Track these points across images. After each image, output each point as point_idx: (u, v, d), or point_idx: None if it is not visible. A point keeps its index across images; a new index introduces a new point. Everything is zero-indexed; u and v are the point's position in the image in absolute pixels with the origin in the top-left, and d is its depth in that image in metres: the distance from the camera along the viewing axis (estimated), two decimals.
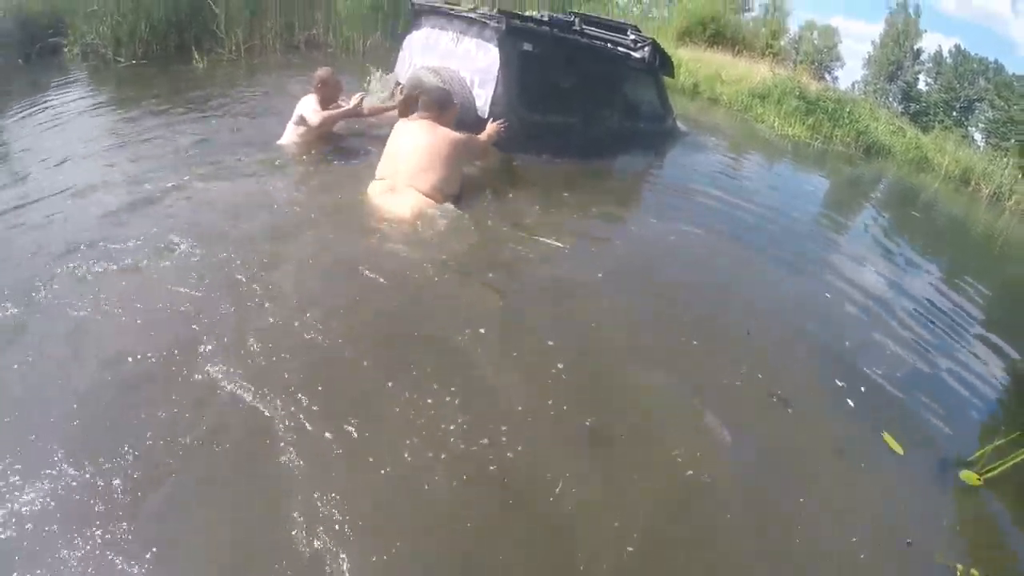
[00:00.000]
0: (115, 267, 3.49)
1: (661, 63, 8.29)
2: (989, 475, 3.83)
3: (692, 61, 19.39)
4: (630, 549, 2.52)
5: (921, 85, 46.33)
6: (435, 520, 2.44)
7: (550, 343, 3.52)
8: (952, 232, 14.01)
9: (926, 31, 45.23)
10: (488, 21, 5.99)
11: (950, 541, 3.31)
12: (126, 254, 3.62)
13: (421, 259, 4.10)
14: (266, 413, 2.66)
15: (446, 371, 3.13)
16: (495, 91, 5.98)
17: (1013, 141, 35.22)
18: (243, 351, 2.99)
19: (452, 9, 6.49)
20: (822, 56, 50.66)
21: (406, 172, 4.79)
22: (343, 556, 2.18)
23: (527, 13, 9.05)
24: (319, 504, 2.33)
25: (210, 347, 2.97)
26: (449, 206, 4.72)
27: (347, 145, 5.98)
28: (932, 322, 6.13)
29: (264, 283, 3.54)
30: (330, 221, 4.46)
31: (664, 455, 3.05)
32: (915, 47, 45.47)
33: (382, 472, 2.53)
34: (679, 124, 9.74)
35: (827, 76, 47.02)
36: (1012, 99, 39.93)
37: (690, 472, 2.98)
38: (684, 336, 4.11)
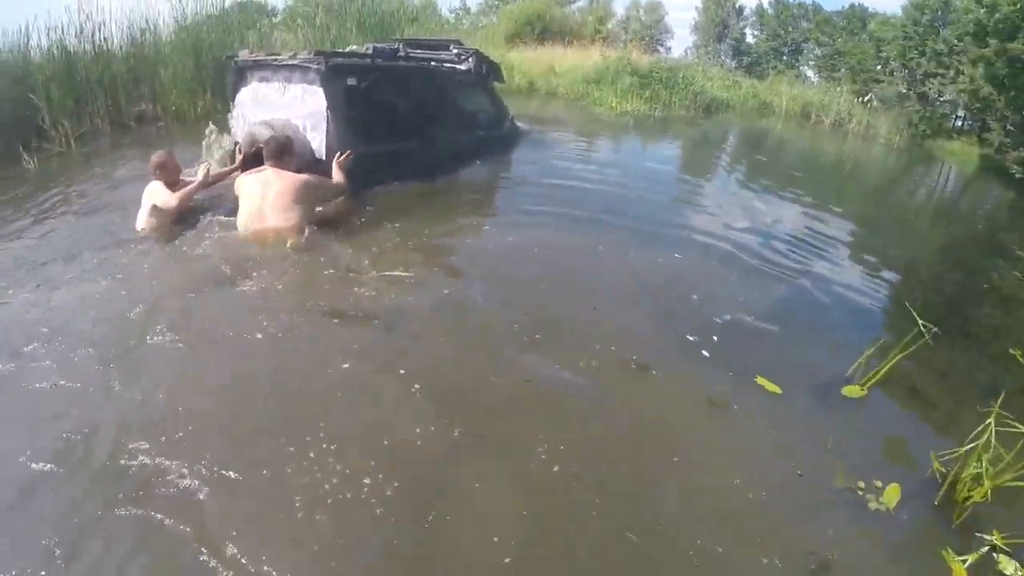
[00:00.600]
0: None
1: (488, 70, 8.72)
2: (871, 383, 4.07)
3: (525, 61, 19.89)
4: (512, 542, 2.65)
5: (749, 39, 48.55)
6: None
7: (401, 371, 3.64)
8: (803, 165, 15.00)
9: None
10: (309, 64, 6.11)
11: (847, 459, 3.39)
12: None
13: (281, 307, 4.24)
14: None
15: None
16: (327, 131, 6.14)
17: (843, 70, 37.16)
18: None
19: (273, 60, 6.54)
20: (651, 31, 52.40)
21: (269, 216, 5.16)
22: None
23: (350, 48, 9.24)
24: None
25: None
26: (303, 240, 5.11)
27: (200, 215, 5.85)
28: (791, 254, 6.57)
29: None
30: (204, 286, 4.56)
31: (535, 446, 3.17)
32: (736, 5, 47.56)
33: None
34: (519, 124, 10.09)
35: (660, 49, 48.76)
36: (835, 33, 42.29)
37: (560, 459, 3.09)
38: (530, 328, 4.22)
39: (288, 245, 5.03)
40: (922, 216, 11.90)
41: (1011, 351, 5.11)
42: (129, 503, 2.65)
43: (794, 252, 6.67)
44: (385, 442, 3.10)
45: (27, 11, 10.28)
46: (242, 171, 5.86)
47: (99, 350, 3.67)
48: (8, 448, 2.94)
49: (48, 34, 10.20)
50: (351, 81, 6.34)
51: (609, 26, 45.79)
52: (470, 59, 8.38)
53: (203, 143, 6.66)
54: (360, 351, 3.83)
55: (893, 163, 19.32)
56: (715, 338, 4.40)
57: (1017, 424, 3.34)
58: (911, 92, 29.42)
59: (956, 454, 3.34)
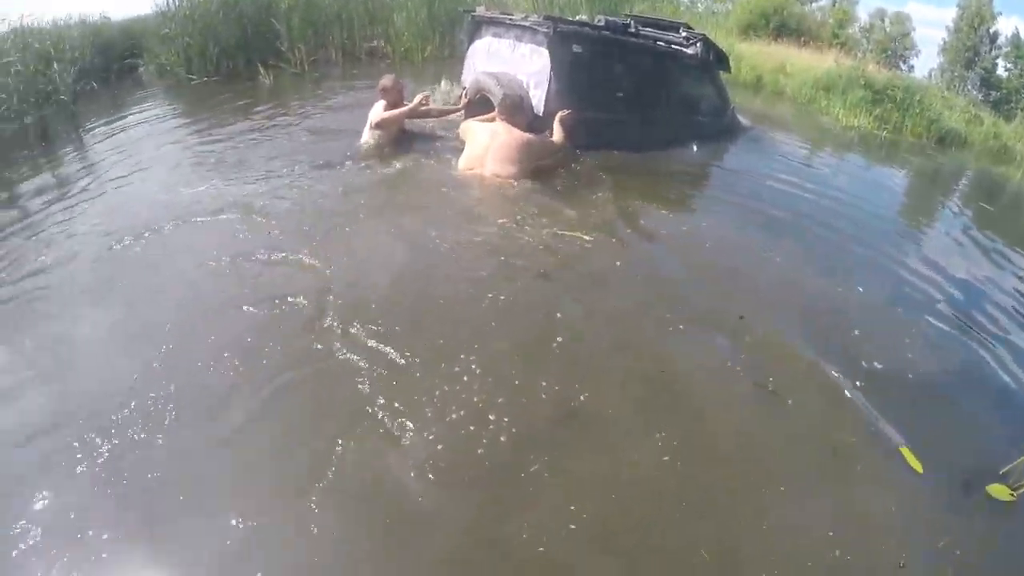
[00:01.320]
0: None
1: (716, 58, 8.71)
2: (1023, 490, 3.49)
3: (756, 55, 19.04)
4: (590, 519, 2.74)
5: (1000, 71, 44.32)
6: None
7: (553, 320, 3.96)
8: None
9: (1000, 13, 43.19)
10: (538, 27, 6.60)
11: (961, 564, 2.98)
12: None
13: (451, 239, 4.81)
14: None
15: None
16: (548, 91, 6.63)
17: None
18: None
19: (508, 19, 7.15)
20: (895, 44, 49.11)
21: (489, 163, 5.82)
22: None
23: (579, 17, 9.67)
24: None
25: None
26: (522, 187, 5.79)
27: (419, 144, 6.66)
28: (998, 321, 5.77)
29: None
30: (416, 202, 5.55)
31: (653, 443, 3.18)
32: (990, 30, 43.55)
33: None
34: (741, 118, 9.97)
35: (902, 65, 45.45)
36: None
37: (671, 461, 3.09)
38: (674, 324, 4.21)
39: (499, 191, 5.66)
40: None
41: None
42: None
43: (1002, 319, 5.84)
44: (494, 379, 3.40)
45: None
46: (465, 114, 6.79)
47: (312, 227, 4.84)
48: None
49: None
50: (576, 48, 6.72)
51: (849, 31, 43.33)
52: (697, 44, 8.31)
53: (432, 88, 7.45)
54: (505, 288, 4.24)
55: None
56: (860, 383, 3.99)
57: None
58: None
59: None
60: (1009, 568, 3.15)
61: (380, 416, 3.10)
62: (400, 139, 6.56)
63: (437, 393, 3.25)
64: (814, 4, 46.73)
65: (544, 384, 3.40)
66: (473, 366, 3.45)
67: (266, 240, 4.65)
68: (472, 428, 3.07)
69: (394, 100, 6.45)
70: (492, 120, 6.29)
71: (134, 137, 7.41)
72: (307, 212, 5.10)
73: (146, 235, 4.72)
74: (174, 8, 10.10)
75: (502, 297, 4.09)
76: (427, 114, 6.87)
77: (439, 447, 2.95)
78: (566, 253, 4.79)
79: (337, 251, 4.55)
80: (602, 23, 7.93)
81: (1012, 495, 3.45)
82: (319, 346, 3.56)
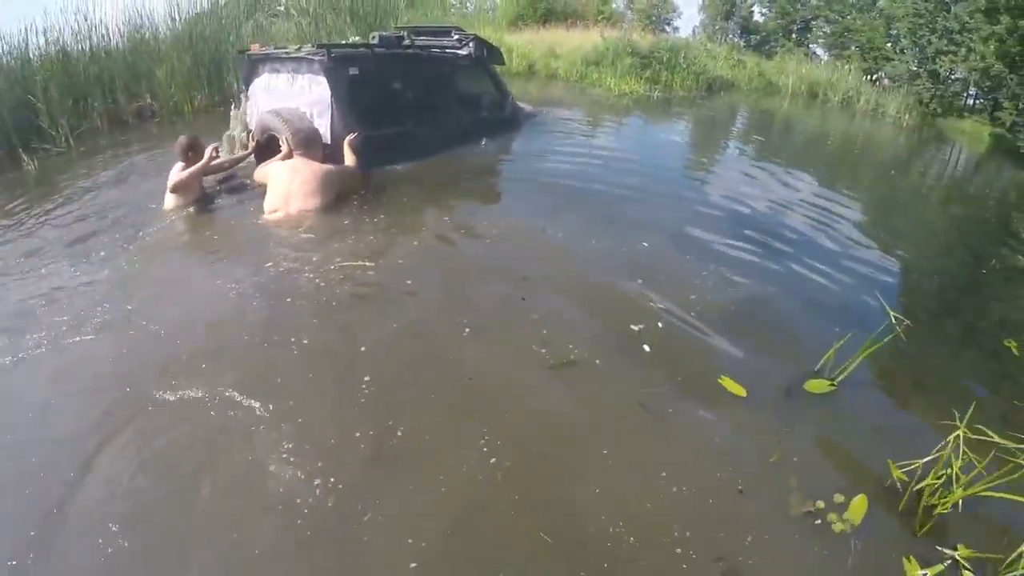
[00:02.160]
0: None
1: (489, 54, 9.18)
2: (841, 377, 3.91)
3: (525, 44, 19.71)
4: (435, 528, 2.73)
5: (757, 17, 47.85)
6: None
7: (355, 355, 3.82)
8: (810, 145, 14.91)
9: None
10: (313, 57, 6.54)
11: (806, 466, 3.25)
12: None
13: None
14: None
15: None
16: (332, 118, 6.60)
17: (853, 48, 36.78)
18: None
19: (283, 53, 6.95)
20: (657, 10, 51.86)
21: (294, 201, 5.79)
22: None
23: (353, 39, 9.90)
24: None
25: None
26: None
27: (221, 197, 6.43)
28: (785, 241, 6.41)
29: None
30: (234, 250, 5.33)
31: (477, 452, 3.13)
32: None
33: None
34: (524, 105, 10.41)
35: (667, 29, 48.28)
36: (845, 11, 41.75)
37: (497, 463, 3.06)
38: (470, 327, 4.15)
39: (303, 227, 5.59)
40: (931, 198, 11.72)
41: (1006, 343, 5.05)
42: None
43: (789, 239, 6.51)
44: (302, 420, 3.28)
45: (24, 13, 10.43)
46: (256, 157, 6.65)
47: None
48: None
49: (46, 35, 10.36)
50: (353, 71, 6.75)
51: (614, 6, 45.31)
52: (470, 43, 8.78)
53: (225, 142, 7.17)
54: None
55: (903, 143, 19.09)
56: (658, 331, 4.25)
57: (988, 432, 3.16)
58: (921, 70, 29.01)
59: (918, 463, 3.15)
60: (840, 455, 3.46)
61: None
62: (202, 198, 6.23)
63: (249, 458, 3.04)
64: None
65: (357, 424, 3.25)
66: (277, 421, 3.25)
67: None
68: (284, 491, 2.86)
69: (196, 160, 6.13)
70: (288, 157, 6.17)
71: None
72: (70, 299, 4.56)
73: None
74: None
75: (305, 342, 3.90)
76: (220, 167, 6.55)
77: (253, 522, 2.74)
78: (355, 283, 4.65)
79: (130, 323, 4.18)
80: (376, 40, 7.97)
81: (832, 384, 3.88)
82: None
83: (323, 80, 6.58)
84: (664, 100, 16.44)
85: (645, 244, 5.62)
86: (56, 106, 9.52)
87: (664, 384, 3.75)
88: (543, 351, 3.92)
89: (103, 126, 10.27)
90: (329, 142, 6.56)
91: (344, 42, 8.63)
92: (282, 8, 18.64)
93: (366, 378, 3.55)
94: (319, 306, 4.32)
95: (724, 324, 4.44)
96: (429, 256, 5.22)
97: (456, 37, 9.13)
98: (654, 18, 49.88)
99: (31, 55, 10.10)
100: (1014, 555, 2.74)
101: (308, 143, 6.20)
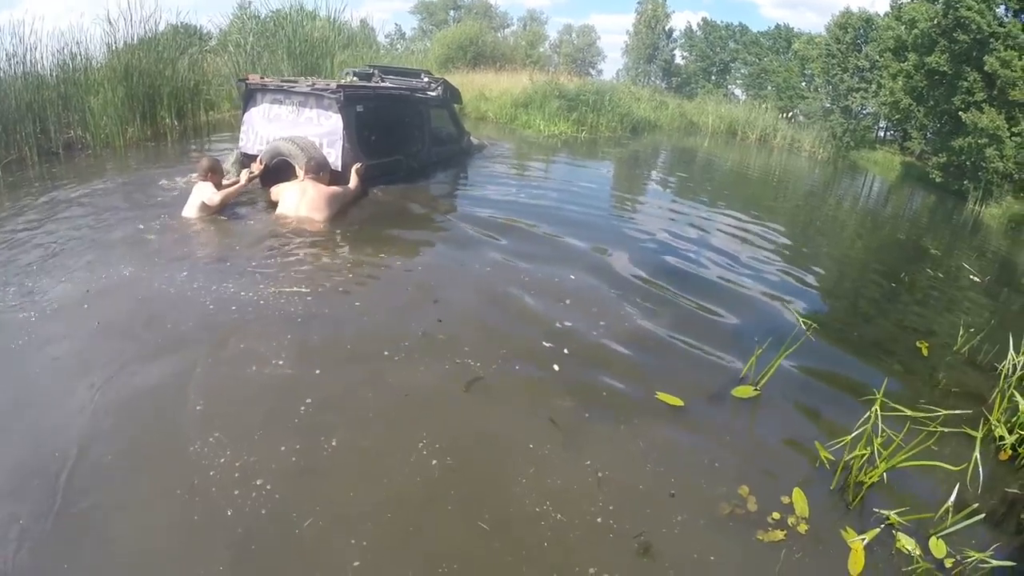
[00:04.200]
0: None
1: (452, 95, 10.55)
2: (763, 382, 4.28)
3: (457, 86, 19.88)
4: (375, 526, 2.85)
5: (679, 60, 49.83)
6: None
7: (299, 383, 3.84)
8: (729, 179, 15.67)
9: (674, 11, 48.75)
10: (326, 94, 7.35)
11: (735, 468, 3.49)
12: None
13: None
14: None
15: None
16: (343, 148, 7.42)
17: (769, 88, 38.43)
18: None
19: (289, 87, 7.67)
20: (583, 54, 53.30)
21: (304, 209, 6.62)
22: None
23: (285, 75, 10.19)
24: None
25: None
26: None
27: (234, 211, 6.85)
28: (705, 267, 6.88)
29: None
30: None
31: (417, 460, 3.26)
32: (667, 28, 48.66)
33: None
34: (473, 138, 11.89)
35: (592, 72, 49.90)
36: (761, 53, 43.87)
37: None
38: (379, 345, 4.29)
39: (317, 226, 6.49)
40: (847, 222, 12.54)
41: (917, 344, 5.67)
42: None
43: (708, 264, 7.00)
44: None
45: None
46: (261, 180, 7.23)
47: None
48: None
49: None
50: (359, 108, 7.64)
51: (541, 50, 46.49)
52: (439, 86, 10.06)
53: (229, 162, 7.82)
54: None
55: (819, 173, 20.30)
56: (566, 351, 4.46)
57: (900, 408, 3.66)
58: (835, 106, 30.77)
59: (845, 441, 3.57)
60: (765, 452, 3.76)
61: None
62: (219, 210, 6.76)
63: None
64: (507, 30, 49.91)
65: (293, 438, 3.31)
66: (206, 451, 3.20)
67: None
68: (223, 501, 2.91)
69: (217, 180, 6.76)
70: (298, 181, 6.92)
71: None
72: None
73: None
74: None
75: (255, 368, 3.92)
76: (239, 190, 7.03)
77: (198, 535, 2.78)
78: (285, 311, 4.67)
79: None
80: (352, 76, 9.49)
81: (755, 390, 4.25)
82: None
83: (336, 115, 7.39)
84: (591, 140, 17.07)
85: (571, 276, 5.84)
86: None
87: (576, 399, 3.95)
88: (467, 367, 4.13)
89: (32, 157, 9.90)
90: (339, 169, 7.35)
91: (352, 82, 8.89)
92: (213, 43, 18.69)
93: (308, 400, 3.62)
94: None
95: (651, 343, 4.79)
96: (374, 280, 5.40)
97: (426, 79, 10.48)
98: (579, 62, 51.33)
99: None
100: (941, 511, 3.17)
101: (319, 169, 6.95)
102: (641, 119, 21.28)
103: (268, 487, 2.95)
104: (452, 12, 54.21)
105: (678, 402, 3.99)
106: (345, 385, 3.84)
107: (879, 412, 3.52)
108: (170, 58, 12.83)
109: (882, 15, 28.92)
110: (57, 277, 4.99)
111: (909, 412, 3.80)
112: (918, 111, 22.65)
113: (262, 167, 7.29)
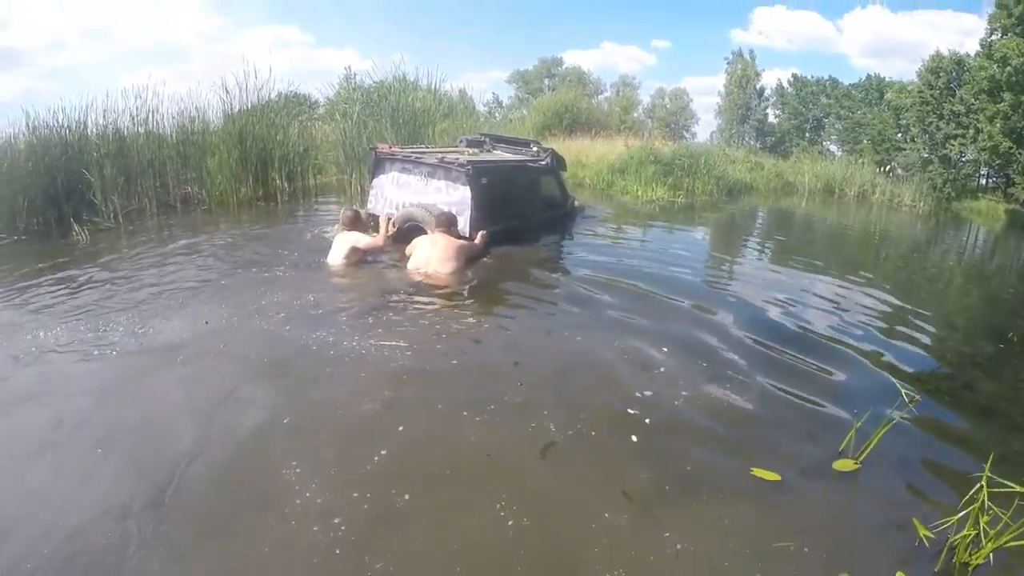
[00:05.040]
0: None
1: (558, 163, 11.22)
2: (864, 456, 4.07)
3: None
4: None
5: (772, 119, 49.33)
6: None
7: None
8: (830, 239, 15.32)
9: (764, 70, 48.39)
10: (453, 167, 8.22)
11: (831, 542, 3.35)
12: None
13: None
14: None
15: None
16: (471, 216, 8.20)
17: (865, 141, 37.61)
18: None
19: (419, 157, 8.64)
20: (676, 117, 53.69)
21: (433, 263, 7.30)
22: None
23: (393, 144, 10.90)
24: None
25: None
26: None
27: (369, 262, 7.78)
28: (806, 333, 6.62)
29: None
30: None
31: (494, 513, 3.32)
32: (758, 87, 48.36)
33: None
34: (576, 202, 12.58)
35: (685, 135, 50.12)
36: (854, 106, 43.17)
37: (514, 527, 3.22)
38: (488, 413, 4.33)
39: (443, 279, 7.13)
40: (951, 279, 11.96)
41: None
42: None
43: (806, 332, 6.71)
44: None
45: (85, 91, 11.47)
46: (394, 239, 8.02)
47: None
48: None
49: (104, 115, 11.01)
50: (483, 180, 8.35)
51: (635, 115, 47.18)
52: (548, 157, 10.65)
53: (332, 230, 8.53)
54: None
55: (920, 228, 19.49)
56: (648, 422, 4.37)
57: (1009, 483, 3.34)
58: (933, 156, 29.77)
59: (950, 522, 3.33)
60: (868, 524, 3.59)
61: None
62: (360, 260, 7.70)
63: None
64: (601, 96, 50.90)
65: (379, 485, 3.46)
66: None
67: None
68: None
69: (361, 228, 7.78)
70: (431, 235, 7.66)
71: None
72: None
73: None
74: None
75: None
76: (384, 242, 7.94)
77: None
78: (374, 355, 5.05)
79: None
80: (464, 143, 10.86)
81: (856, 464, 4.07)
82: None
83: (464, 187, 8.21)
84: (687, 205, 17.00)
85: (665, 349, 5.62)
86: (109, 183, 10.18)
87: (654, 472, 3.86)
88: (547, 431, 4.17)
89: (151, 208, 10.88)
90: (467, 235, 8.04)
91: (479, 157, 9.55)
92: (322, 111, 19.55)
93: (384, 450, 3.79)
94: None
95: (742, 415, 4.64)
96: (448, 351, 5.32)
97: (535, 149, 11.14)
98: (673, 125, 51.71)
99: (89, 131, 10.73)
100: None
101: (449, 223, 7.66)
102: (737, 181, 21.19)
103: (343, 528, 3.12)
104: (547, 80, 55.75)
105: (775, 477, 3.81)
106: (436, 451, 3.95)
107: (986, 488, 3.24)
108: (281, 124, 13.76)
109: (972, 55, 27.94)
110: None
111: (1019, 488, 3.40)
112: (1020, 154, 21.95)
113: (396, 228, 8.15)
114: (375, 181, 9.02)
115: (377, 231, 8.13)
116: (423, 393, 4.54)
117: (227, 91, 13.09)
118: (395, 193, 8.78)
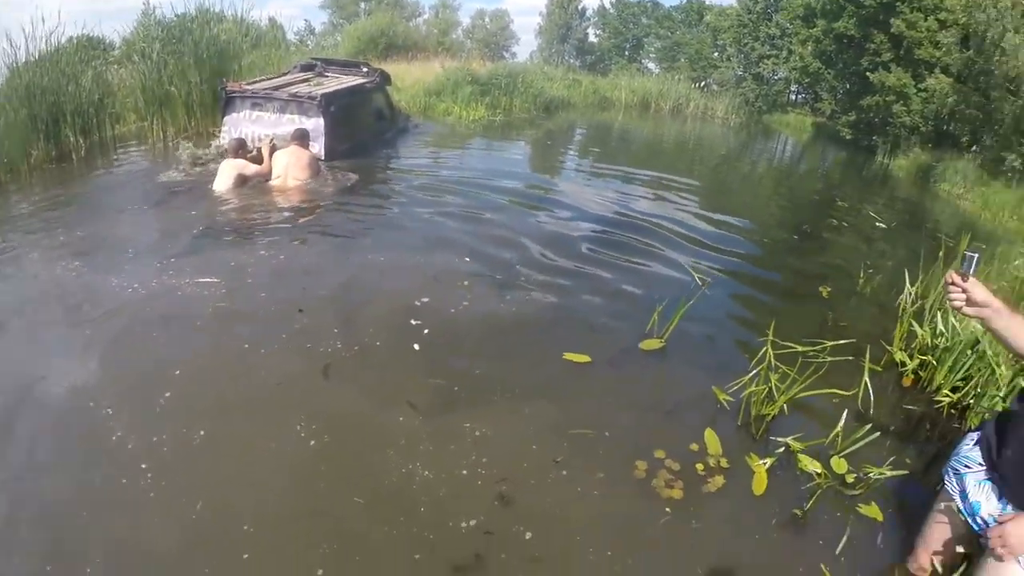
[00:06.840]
0: None
1: (386, 80, 12.28)
2: (667, 335, 4.50)
3: None
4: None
5: (592, 38, 49.96)
6: None
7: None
8: (645, 147, 16.32)
9: None
10: (304, 100, 9.08)
11: (633, 422, 3.61)
12: None
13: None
14: None
15: None
16: (325, 142, 9.13)
17: (682, 60, 39.11)
18: None
19: (268, 93, 9.28)
20: (496, 39, 53.19)
21: (292, 172, 7.98)
22: None
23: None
24: None
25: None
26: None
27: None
28: (617, 234, 7.01)
29: None
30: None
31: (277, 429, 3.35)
32: (580, 7, 48.75)
33: None
34: (408, 120, 14.21)
35: (506, 55, 49.80)
36: (674, 27, 44.40)
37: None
38: (251, 341, 4.23)
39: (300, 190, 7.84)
40: (762, 181, 12.78)
41: (820, 289, 6.00)
42: None
43: (617, 228, 7.25)
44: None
45: None
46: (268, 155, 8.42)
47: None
48: None
49: None
50: (332, 108, 9.22)
51: (454, 37, 46.27)
52: (377, 76, 11.64)
53: (180, 152, 9.12)
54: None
55: (733, 138, 20.77)
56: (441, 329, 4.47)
57: (791, 344, 3.99)
58: (747, 74, 31.58)
59: (743, 382, 3.83)
60: (674, 392, 4.01)
61: None
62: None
63: None
64: (420, 19, 49.49)
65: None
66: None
67: None
68: None
69: (245, 155, 8.13)
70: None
71: None
72: None
73: None
74: None
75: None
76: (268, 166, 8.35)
77: None
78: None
79: None
80: (298, 69, 11.45)
81: (661, 341, 4.49)
82: None
83: (318, 117, 9.03)
84: (506, 123, 17.19)
85: (466, 260, 5.82)
86: None
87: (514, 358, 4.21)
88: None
89: None
90: (323, 158, 8.93)
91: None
92: (117, 52, 17.95)
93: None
94: None
95: (559, 306, 4.99)
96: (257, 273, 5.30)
97: (364, 70, 11.98)
98: (493, 46, 51.20)
99: None
100: (832, 434, 3.40)
101: (301, 137, 8.38)
102: (554, 98, 21.41)
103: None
104: (363, 4, 53.45)
105: (585, 359, 4.16)
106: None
107: (771, 350, 3.79)
108: (73, 73, 12.11)
109: None
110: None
111: (800, 348, 4.11)
112: (827, 74, 23.84)
113: (269, 147, 8.43)
114: (227, 119, 9.41)
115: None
116: (219, 333, 4.35)
117: (11, 42, 11.36)
118: (250, 128, 9.20)
